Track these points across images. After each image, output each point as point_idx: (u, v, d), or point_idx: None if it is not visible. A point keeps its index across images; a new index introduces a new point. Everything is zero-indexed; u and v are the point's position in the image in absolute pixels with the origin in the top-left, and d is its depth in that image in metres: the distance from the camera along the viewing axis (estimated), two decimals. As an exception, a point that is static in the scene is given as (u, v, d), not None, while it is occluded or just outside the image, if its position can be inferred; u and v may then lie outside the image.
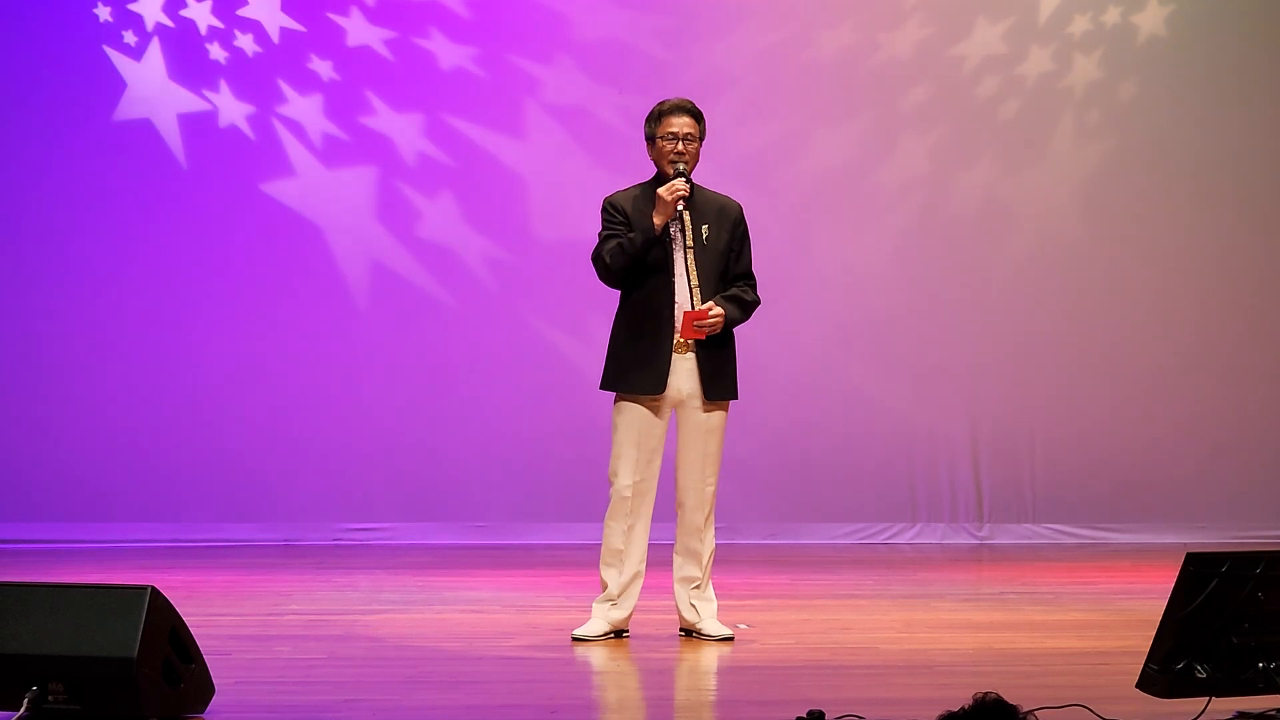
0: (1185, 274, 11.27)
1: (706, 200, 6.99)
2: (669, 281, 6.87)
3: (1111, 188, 11.28)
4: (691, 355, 6.88)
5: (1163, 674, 5.13)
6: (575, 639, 6.90)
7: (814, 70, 11.23)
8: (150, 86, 10.96)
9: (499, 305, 11.08)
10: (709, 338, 6.86)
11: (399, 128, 11.08)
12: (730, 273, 6.99)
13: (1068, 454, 11.17)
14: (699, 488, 6.98)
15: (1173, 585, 5.12)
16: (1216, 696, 5.17)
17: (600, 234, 6.97)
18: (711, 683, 6.41)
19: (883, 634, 7.34)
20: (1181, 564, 5.11)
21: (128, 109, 10.96)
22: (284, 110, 11.03)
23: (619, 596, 6.97)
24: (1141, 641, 5.36)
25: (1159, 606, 5.19)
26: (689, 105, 7.01)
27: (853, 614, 8.01)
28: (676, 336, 6.86)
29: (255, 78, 11.01)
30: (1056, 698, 5.32)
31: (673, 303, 6.87)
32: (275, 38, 11.02)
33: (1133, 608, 8.01)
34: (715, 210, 6.98)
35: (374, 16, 11.06)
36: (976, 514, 11.17)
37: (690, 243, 6.89)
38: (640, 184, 7.05)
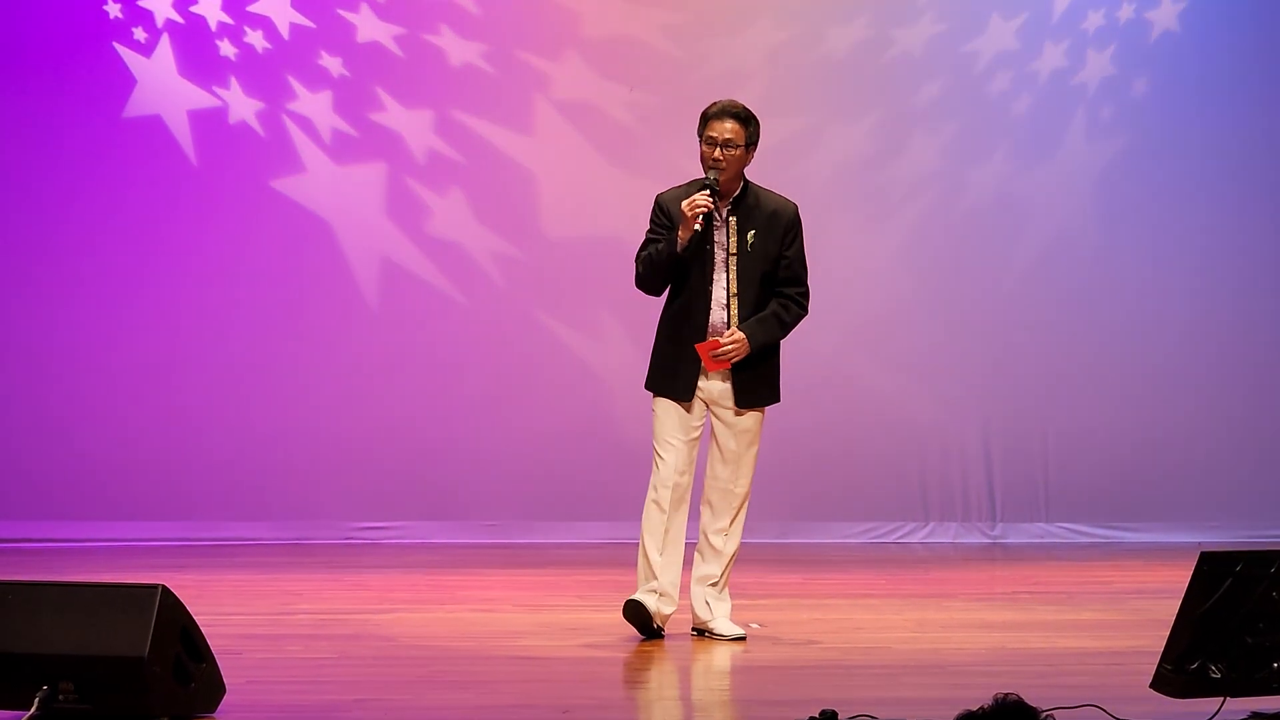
0: (1200, 271, 11.26)
1: (760, 204, 6.89)
2: (706, 290, 6.82)
3: (1125, 184, 11.27)
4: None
5: (1177, 674, 5.13)
6: (629, 601, 6.86)
7: (826, 67, 11.23)
8: (160, 83, 10.97)
9: (509, 302, 11.09)
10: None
11: (409, 124, 11.09)
12: (777, 280, 6.93)
13: (1081, 452, 11.16)
14: (727, 488, 6.95)
15: (1187, 584, 5.13)
16: (1231, 697, 5.18)
17: (647, 233, 6.92)
18: (725, 682, 6.42)
19: (895, 634, 7.34)
20: (1196, 563, 5.12)
21: (138, 106, 10.98)
22: (294, 106, 11.04)
23: (663, 593, 6.91)
24: (1155, 641, 5.36)
25: (1173, 606, 5.20)
26: (735, 109, 6.87)
27: (865, 613, 8.02)
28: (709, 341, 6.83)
29: (265, 74, 11.02)
30: (1070, 698, 5.32)
31: (708, 311, 6.82)
32: (285, 34, 11.03)
33: (1147, 607, 8.01)
34: (767, 215, 6.87)
35: (384, 13, 11.06)
36: (989, 513, 11.16)
37: (734, 250, 6.83)
38: (689, 183, 6.96)
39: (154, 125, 10.98)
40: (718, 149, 6.79)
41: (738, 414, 6.89)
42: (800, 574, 9.56)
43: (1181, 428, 11.20)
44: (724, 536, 6.98)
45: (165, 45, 10.97)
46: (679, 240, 6.73)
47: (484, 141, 11.11)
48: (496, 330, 11.06)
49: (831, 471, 11.11)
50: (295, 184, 11.05)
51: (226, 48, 11.00)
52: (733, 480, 6.95)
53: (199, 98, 11.00)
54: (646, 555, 6.90)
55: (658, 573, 6.88)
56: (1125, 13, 11.25)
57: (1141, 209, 11.27)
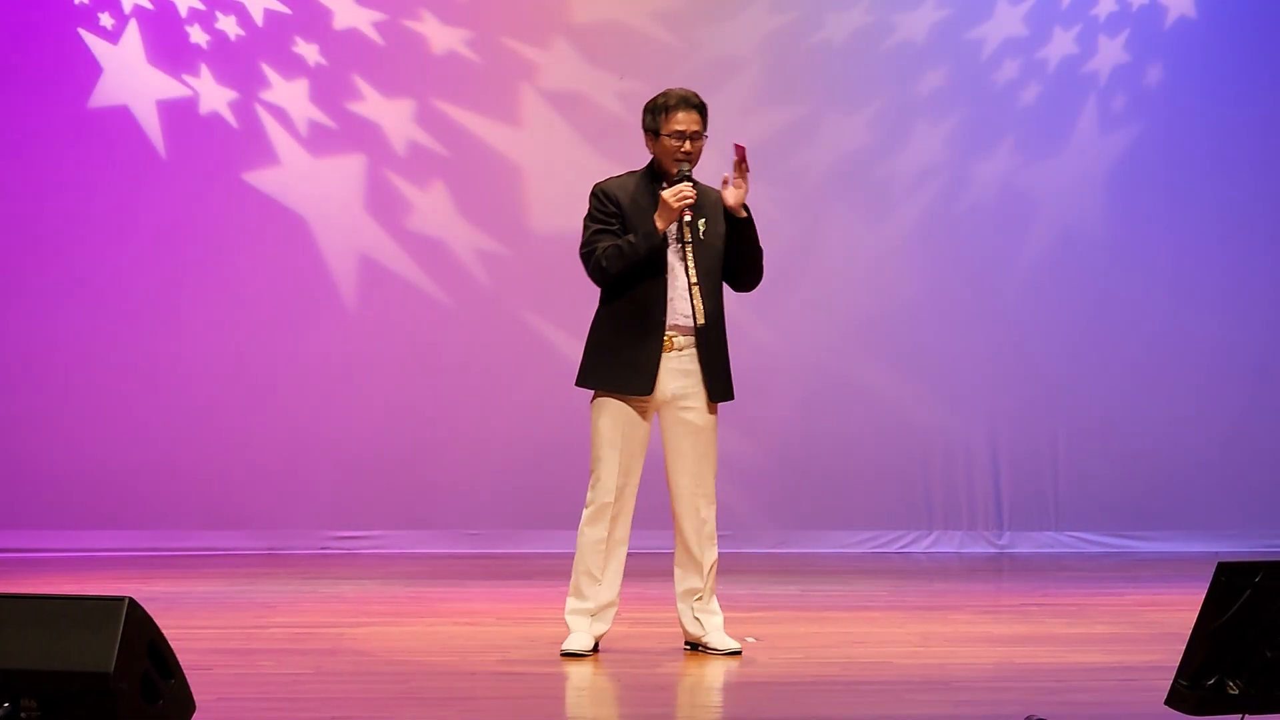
0: (1215, 269, 11.27)
1: (703, 193, 6.97)
2: (662, 280, 6.85)
3: (1137, 177, 11.28)
4: (681, 355, 6.86)
5: (1193, 690, 5.12)
6: (566, 654, 6.89)
7: (825, 54, 11.23)
8: (127, 71, 10.96)
9: (493, 301, 11.08)
10: (704, 338, 6.82)
11: (389, 115, 11.08)
12: (726, 267, 7.00)
13: (1092, 457, 11.17)
14: (693, 493, 6.94)
15: (1203, 597, 5.12)
16: (1250, 714, 5.17)
17: (586, 222, 6.93)
18: (717, 699, 6.41)
19: (897, 648, 7.34)
20: (1213, 574, 5.11)
21: (104, 95, 10.96)
22: (268, 96, 11.03)
23: (598, 610, 6.93)
24: (1170, 656, 5.36)
25: (1189, 619, 5.18)
26: (696, 100, 6.96)
27: (866, 627, 8.02)
28: (666, 335, 6.84)
29: (238, 62, 11.01)
30: (1081, 715, 5.32)
31: (665, 302, 6.85)
32: (259, 20, 11.02)
33: (1161, 620, 8.02)
34: (711, 203, 6.96)
35: (362, -2, 11.08)
36: (996, 521, 11.16)
37: (689, 238, 6.86)
38: (634, 172, 7.00)
39: (121, 116, 10.96)
40: (687, 141, 6.85)
41: (697, 410, 6.87)
42: (797, 585, 9.56)
43: (1198, 431, 11.21)
44: (698, 546, 6.95)
45: (133, 32, 10.95)
46: (657, 230, 6.76)
47: (468, 133, 11.11)
48: (481, 331, 11.06)
49: (830, 478, 11.11)
50: (269, 177, 11.04)
51: (197, 34, 10.99)
52: (697, 483, 6.93)
53: (168, 87, 10.98)
54: (588, 576, 6.90)
55: (601, 594, 6.90)
56: (1138, -2, 11.27)
57: (1155, 203, 11.28)
